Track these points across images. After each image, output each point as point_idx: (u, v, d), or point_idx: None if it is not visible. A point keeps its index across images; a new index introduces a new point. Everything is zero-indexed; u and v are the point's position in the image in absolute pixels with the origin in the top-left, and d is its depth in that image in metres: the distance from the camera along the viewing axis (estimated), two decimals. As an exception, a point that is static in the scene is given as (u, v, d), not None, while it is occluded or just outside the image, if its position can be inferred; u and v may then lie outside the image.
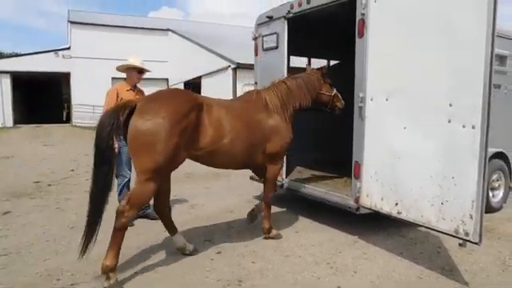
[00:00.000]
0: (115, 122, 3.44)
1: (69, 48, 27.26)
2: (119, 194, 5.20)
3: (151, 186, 3.51)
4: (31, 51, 27.17)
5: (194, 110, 3.68)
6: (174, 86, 26.91)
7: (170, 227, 4.20)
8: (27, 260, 4.06)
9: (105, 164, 3.53)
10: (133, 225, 5.16)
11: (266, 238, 4.64)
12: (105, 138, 3.48)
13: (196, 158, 3.95)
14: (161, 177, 3.60)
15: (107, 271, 3.37)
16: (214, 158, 4.01)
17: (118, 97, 5.02)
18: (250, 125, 4.19)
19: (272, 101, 4.45)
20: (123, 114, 3.48)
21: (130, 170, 5.23)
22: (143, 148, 3.43)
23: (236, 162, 4.25)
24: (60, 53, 27.04)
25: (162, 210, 4.15)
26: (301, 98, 4.65)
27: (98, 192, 3.49)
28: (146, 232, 4.94)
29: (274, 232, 4.67)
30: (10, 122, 26.09)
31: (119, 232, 3.45)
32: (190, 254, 4.14)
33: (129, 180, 5.24)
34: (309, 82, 4.77)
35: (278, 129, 4.42)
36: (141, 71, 5.27)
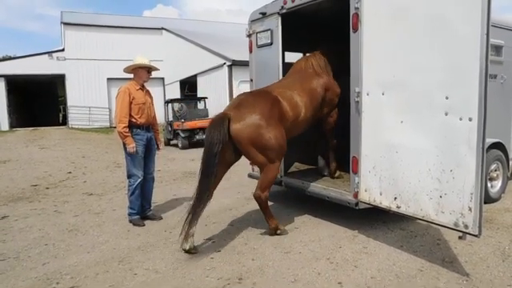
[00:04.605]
0: (222, 135, 4.18)
1: (63, 50, 27.13)
2: (131, 194, 5.20)
3: (273, 171, 4.45)
4: (25, 54, 27.02)
5: (274, 106, 4.52)
6: (169, 85, 26.90)
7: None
8: (26, 264, 4.04)
9: (213, 166, 4.20)
10: (144, 225, 5.17)
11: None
12: (215, 145, 4.15)
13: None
14: (276, 161, 4.45)
15: (274, 230, 4.57)
16: (295, 130, 4.94)
17: (130, 96, 5.07)
18: (312, 92, 5.14)
19: (319, 64, 5.45)
20: (225, 125, 4.23)
21: (143, 170, 5.25)
22: (254, 146, 4.29)
23: (309, 125, 5.27)
24: (54, 55, 26.92)
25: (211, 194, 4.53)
26: (332, 66, 5.54)
27: (205, 188, 4.24)
28: (146, 232, 4.92)
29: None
30: (5, 126, 26.00)
31: (265, 208, 4.54)
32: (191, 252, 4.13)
33: (141, 180, 5.23)
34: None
35: (329, 85, 5.39)
36: (149, 70, 5.34)
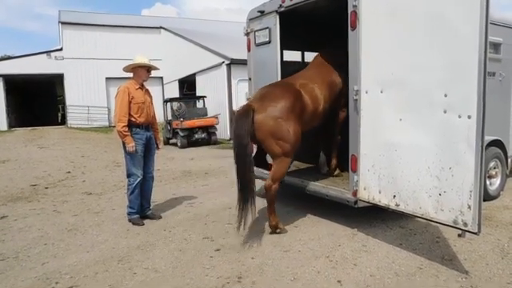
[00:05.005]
0: (248, 123, 4.39)
1: (61, 49, 27.03)
2: (131, 193, 5.19)
3: (286, 163, 4.62)
4: (23, 53, 26.94)
5: (297, 99, 4.68)
6: (168, 84, 26.86)
7: None
8: (25, 264, 4.03)
9: (247, 155, 4.38)
10: (143, 224, 5.17)
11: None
12: (245, 136, 4.37)
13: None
14: (290, 154, 4.59)
15: (274, 228, 4.62)
16: (313, 122, 5.10)
17: (129, 95, 5.07)
18: (331, 86, 5.29)
19: (338, 59, 5.36)
20: (250, 116, 4.42)
21: (143, 169, 5.24)
22: (272, 137, 4.46)
23: (326, 117, 5.36)
24: (52, 54, 26.81)
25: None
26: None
27: (245, 175, 4.39)
28: (145, 232, 4.92)
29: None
30: (4, 126, 25.92)
31: (271, 202, 4.58)
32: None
33: (141, 179, 5.23)
34: None
35: (345, 80, 5.21)
36: (149, 69, 5.35)
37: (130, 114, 5.07)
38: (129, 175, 5.21)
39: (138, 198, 5.24)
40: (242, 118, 4.45)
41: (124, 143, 5.06)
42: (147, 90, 5.44)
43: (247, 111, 4.48)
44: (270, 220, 4.63)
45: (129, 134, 5.04)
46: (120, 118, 5.00)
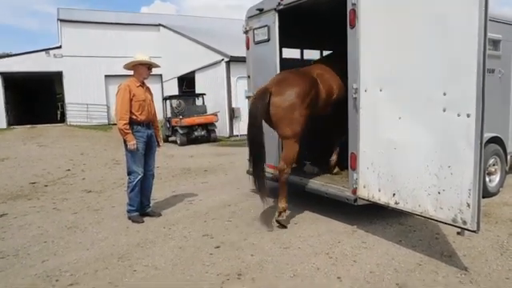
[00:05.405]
0: (263, 105, 4.64)
1: (60, 47, 26.94)
2: (131, 191, 5.19)
3: (296, 146, 4.78)
4: (22, 51, 26.83)
5: (313, 86, 4.91)
6: (167, 82, 26.82)
7: None
8: (25, 262, 4.04)
9: (259, 135, 4.64)
10: (143, 221, 5.18)
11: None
12: (258, 116, 4.65)
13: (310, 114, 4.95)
14: (299, 138, 4.79)
15: (282, 211, 4.77)
16: (325, 110, 5.27)
17: (130, 93, 5.06)
18: (342, 78, 5.24)
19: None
20: (266, 98, 4.67)
21: (143, 167, 5.25)
22: (286, 119, 4.67)
23: (337, 106, 5.34)
24: (51, 52, 26.71)
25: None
26: None
27: (257, 152, 4.70)
28: (145, 229, 4.93)
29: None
30: (3, 124, 25.83)
31: (283, 184, 4.82)
32: None
33: (141, 177, 5.23)
34: None
35: None
36: (149, 67, 5.35)
37: (131, 112, 5.06)
38: (129, 173, 5.21)
39: (138, 195, 5.24)
40: (259, 99, 4.71)
41: (125, 141, 5.07)
42: (148, 88, 5.44)
43: (264, 93, 4.72)
44: (279, 203, 4.80)
45: (130, 131, 5.04)
46: (121, 115, 5.00)
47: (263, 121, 4.72)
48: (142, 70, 5.27)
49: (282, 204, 4.77)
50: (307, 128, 4.87)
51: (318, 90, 4.99)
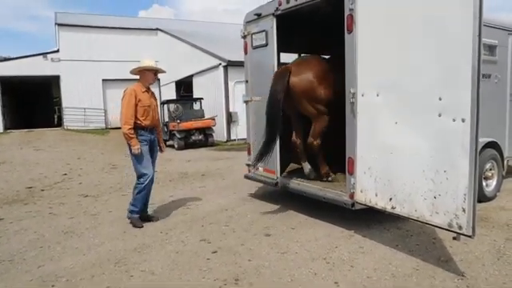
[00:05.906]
0: (284, 85, 5.00)
1: (57, 51, 26.91)
2: (139, 192, 5.16)
3: (322, 121, 5.24)
4: (19, 55, 26.77)
5: (330, 71, 5.22)
6: (165, 86, 26.82)
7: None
8: (21, 267, 4.01)
9: (278, 114, 5.01)
10: (142, 226, 5.15)
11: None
12: (278, 93, 4.99)
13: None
14: (325, 114, 5.22)
15: (326, 175, 5.50)
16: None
17: (136, 98, 5.06)
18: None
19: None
20: (286, 77, 5.09)
21: (152, 168, 5.26)
22: (306, 97, 5.10)
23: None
24: (49, 56, 26.67)
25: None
26: None
27: (272, 137, 5.09)
28: (142, 234, 4.91)
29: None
30: (0, 128, 25.78)
31: (318, 154, 5.47)
32: None
33: (152, 177, 5.22)
34: None
35: None
36: (156, 72, 5.37)
37: (135, 117, 5.06)
38: (139, 176, 5.17)
39: (144, 197, 5.24)
40: (280, 77, 5.00)
41: (129, 145, 5.06)
42: (153, 94, 5.44)
43: (284, 73, 5.05)
44: (321, 168, 5.45)
45: (135, 136, 5.02)
46: (126, 120, 4.99)
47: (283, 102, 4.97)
48: (149, 75, 5.28)
49: (324, 170, 5.42)
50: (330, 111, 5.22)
51: (333, 76, 5.17)
